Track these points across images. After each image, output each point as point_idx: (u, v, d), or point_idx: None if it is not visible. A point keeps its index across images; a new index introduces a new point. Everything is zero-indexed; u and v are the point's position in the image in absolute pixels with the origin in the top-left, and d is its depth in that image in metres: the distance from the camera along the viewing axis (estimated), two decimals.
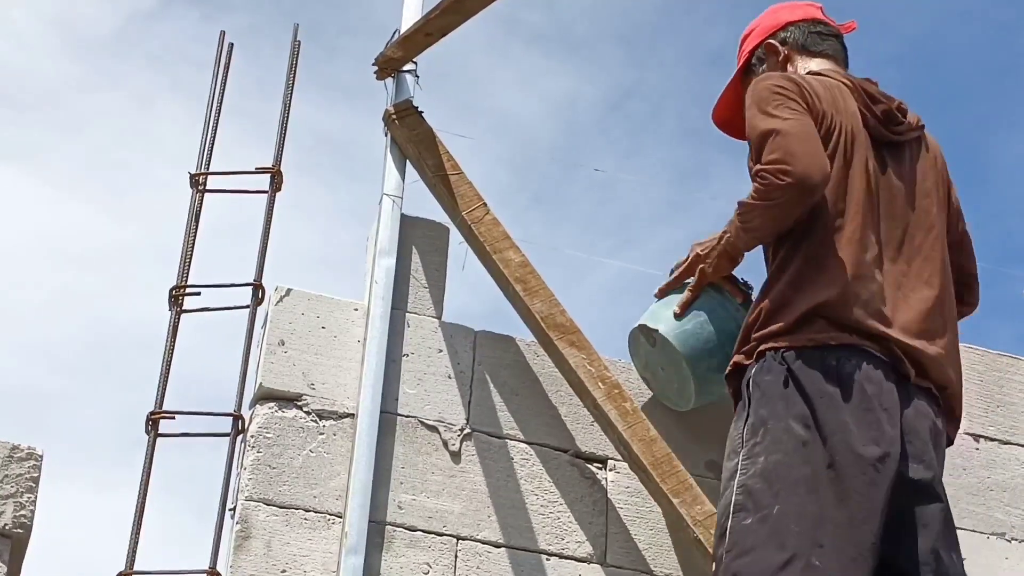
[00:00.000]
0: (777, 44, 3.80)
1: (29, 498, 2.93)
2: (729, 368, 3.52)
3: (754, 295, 3.68)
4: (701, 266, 3.71)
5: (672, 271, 3.91)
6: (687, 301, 3.77)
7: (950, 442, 3.56)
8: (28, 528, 2.93)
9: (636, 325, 3.96)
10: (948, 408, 3.50)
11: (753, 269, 3.71)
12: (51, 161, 13.06)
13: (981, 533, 4.27)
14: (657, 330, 3.86)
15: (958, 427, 3.60)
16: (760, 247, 3.58)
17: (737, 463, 3.30)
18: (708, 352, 3.80)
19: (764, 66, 3.80)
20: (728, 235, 3.56)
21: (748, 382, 3.39)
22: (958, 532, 4.17)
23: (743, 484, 3.26)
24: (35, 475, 2.96)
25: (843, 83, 3.61)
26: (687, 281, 3.85)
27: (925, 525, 3.32)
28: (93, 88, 13.24)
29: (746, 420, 3.35)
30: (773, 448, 3.25)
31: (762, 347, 3.38)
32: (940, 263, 3.54)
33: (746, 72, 3.87)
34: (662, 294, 3.90)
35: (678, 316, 3.79)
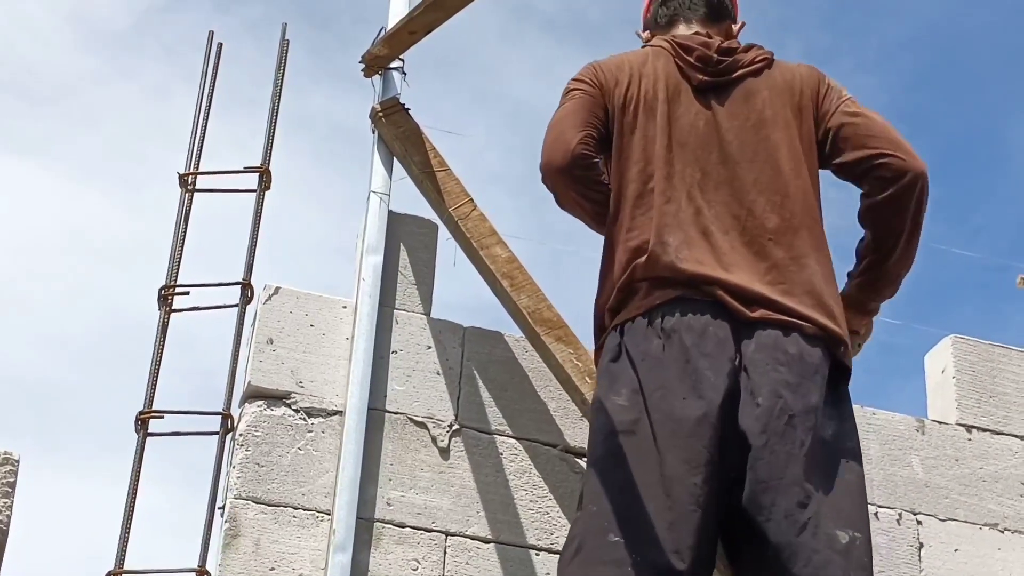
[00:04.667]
0: (640, 33, 3.82)
1: (5, 503, 2.94)
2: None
3: None
4: None
5: None
6: None
7: (846, 368, 3.30)
8: (4, 532, 2.94)
9: None
10: (825, 335, 3.26)
11: None
12: (67, 154, 13.15)
13: (974, 524, 4.26)
14: None
15: (846, 348, 3.31)
16: None
17: None
18: None
19: None
20: None
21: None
22: (951, 523, 4.22)
23: (583, 476, 3.28)
24: (11, 480, 2.97)
25: (659, 47, 3.59)
26: None
27: (757, 464, 3.09)
28: (108, 81, 13.32)
29: None
30: (590, 431, 3.26)
31: (607, 331, 3.36)
32: (789, 193, 3.39)
33: None
34: None
35: None
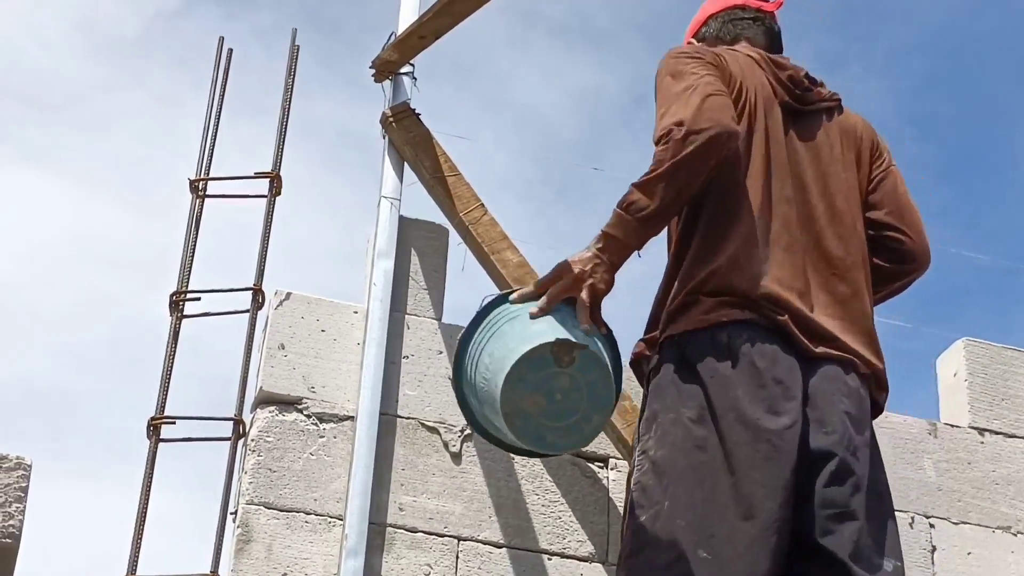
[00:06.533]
0: (695, 42, 3.76)
1: (18, 508, 2.92)
2: (633, 356, 3.39)
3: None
4: (590, 282, 3.15)
5: (508, 295, 3.18)
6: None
7: (880, 409, 3.40)
8: (17, 538, 2.93)
9: (545, 342, 3.01)
10: (873, 376, 3.34)
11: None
12: (77, 161, 13.16)
13: (987, 527, 4.26)
14: (587, 347, 3.04)
15: (887, 394, 3.41)
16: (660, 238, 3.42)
17: (634, 460, 3.23)
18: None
19: None
20: (613, 239, 3.17)
21: (648, 375, 3.32)
22: (964, 526, 4.22)
23: (638, 481, 3.18)
24: (23, 484, 2.96)
25: (749, 55, 3.55)
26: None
27: (827, 491, 3.14)
28: (118, 88, 13.33)
29: (642, 415, 3.29)
30: (663, 441, 3.16)
31: (662, 337, 3.28)
32: (850, 230, 3.44)
33: None
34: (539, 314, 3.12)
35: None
